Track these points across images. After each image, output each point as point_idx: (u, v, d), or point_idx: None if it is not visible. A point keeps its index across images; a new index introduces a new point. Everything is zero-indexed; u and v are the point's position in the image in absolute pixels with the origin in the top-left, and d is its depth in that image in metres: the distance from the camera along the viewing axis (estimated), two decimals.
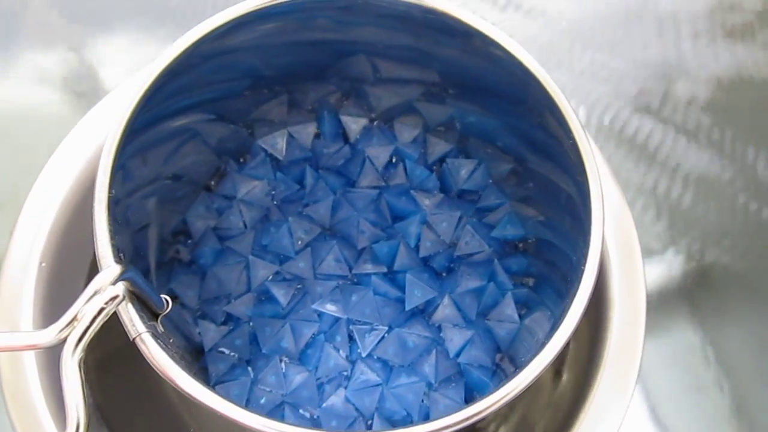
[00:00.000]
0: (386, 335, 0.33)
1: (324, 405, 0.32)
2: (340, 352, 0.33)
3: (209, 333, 0.34)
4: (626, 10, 0.49)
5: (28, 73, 0.46)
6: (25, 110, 0.45)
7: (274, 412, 0.33)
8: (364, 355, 0.33)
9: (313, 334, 0.34)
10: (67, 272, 0.31)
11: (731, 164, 0.45)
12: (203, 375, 0.33)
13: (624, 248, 0.31)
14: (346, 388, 0.33)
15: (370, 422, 0.32)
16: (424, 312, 0.34)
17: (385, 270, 0.35)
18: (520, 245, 0.35)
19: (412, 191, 0.36)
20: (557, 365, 0.33)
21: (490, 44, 0.28)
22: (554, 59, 0.47)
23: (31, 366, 0.29)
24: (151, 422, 0.35)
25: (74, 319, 0.22)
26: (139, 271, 0.25)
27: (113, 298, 0.23)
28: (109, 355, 0.30)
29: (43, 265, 0.30)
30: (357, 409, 0.32)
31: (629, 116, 0.46)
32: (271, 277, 0.35)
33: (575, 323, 0.25)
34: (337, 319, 0.34)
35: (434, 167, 0.36)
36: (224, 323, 0.34)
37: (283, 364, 0.33)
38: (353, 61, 0.33)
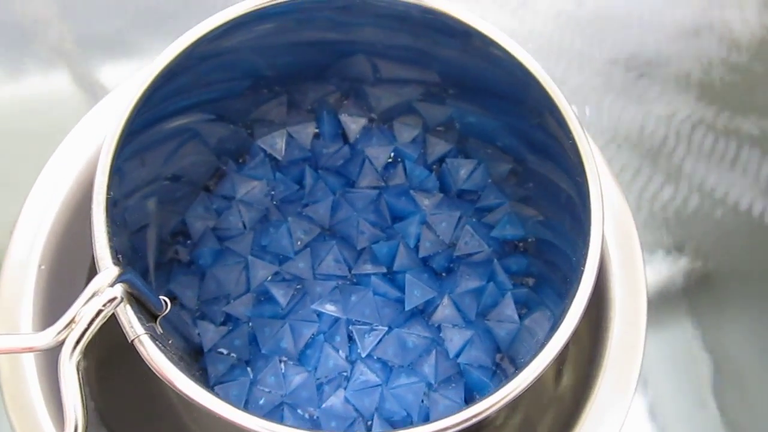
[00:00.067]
0: (386, 336, 0.33)
1: (323, 406, 0.32)
2: (340, 352, 0.33)
3: (208, 333, 0.34)
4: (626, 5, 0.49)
5: (28, 74, 0.46)
6: (25, 111, 0.45)
7: (274, 413, 0.33)
8: (363, 355, 0.33)
9: (313, 334, 0.34)
10: (66, 274, 0.31)
11: (732, 164, 0.45)
12: (203, 376, 0.33)
13: (624, 248, 0.31)
14: (345, 388, 0.33)
15: (369, 423, 0.32)
16: (423, 312, 0.34)
17: (384, 270, 0.35)
18: (520, 245, 0.35)
19: (411, 191, 0.36)
20: (558, 365, 0.33)
21: (490, 44, 0.28)
22: (554, 56, 0.47)
23: (30, 367, 0.29)
24: (152, 423, 0.35)
25: (72, 321, 0.22)
26: (137, 272, 0.25)
27: (111, 300, 0.23)
28: (109, 357, 0.30)
29: (42, 267, 0.30)
30: (356, 410, 0.32)
31: (631, 117, 0.46)
32: (270, 277, 0.35)
33: (575, 324, 0.24)
34: (336, 320, 0.34)
35: (434, 167, 0.36)
36: (223, 324, 0.34)
37: (282, 365, 0.33)
38: (353, 61, 0.33)
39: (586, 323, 0.29)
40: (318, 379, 0.33)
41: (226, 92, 0.33)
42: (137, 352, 0.24)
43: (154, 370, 0.24)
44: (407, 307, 0.34)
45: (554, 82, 0.27)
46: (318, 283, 0.34)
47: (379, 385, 0.33)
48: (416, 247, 0.35)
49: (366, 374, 0.33)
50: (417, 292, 0.34)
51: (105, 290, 0.23)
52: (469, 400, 0.33)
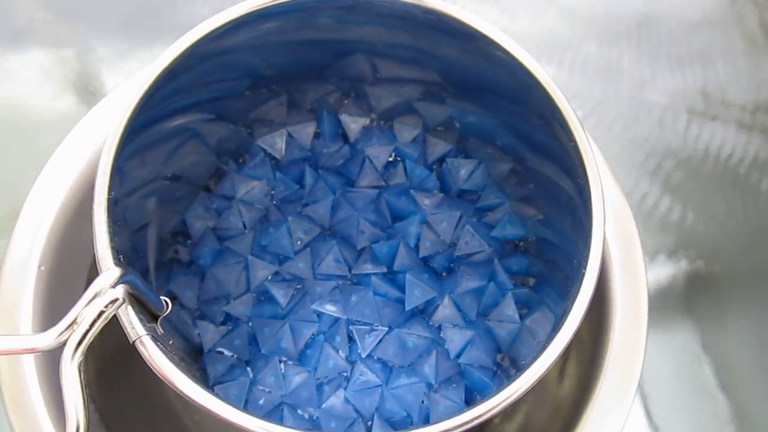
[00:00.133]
0: (386, 336, 0.33)
1: (323, 406, 0.32)
2: (340, 352, 0.33)
3: (208, 333, 0.34)
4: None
5: (28, 74, 0.46)
6: (25, 111, 0.45)
7: (273, 413, 0.33)
8: (363, 355, 0.33)
9: (313, 334, 0.34)
10: (66, 275, 0.31)
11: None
12: (202, 376, 0.33)
13: (625, 249, 0.31)
14: (345, 388, 0.33)
15: (369, 423, 0.32)
16: (424, 312, 0.34)
17: (384, 270, 0.35)
18: (521, 245, 0.35)
19: (411, 191, 0.36)
20: (560, 367, 0.33)
21: (491, 45, 0.28)
22: (556, 57, 0.47)
23: (30, 369, 0.29)
24: (152, 424, 0.35)
25: (74, 322, 0.22)
26: (138, 273, 0.25)
27: (113, 301, 0.23)
28: (110, 358, 0.30)
29: (42, 268, 0.30)
30: (356, 410, 0.32)
31: (633, 116, 0.46)
32: (270, 277, 0.35)
33: (576, 326, 0.24)
34: (336, 320, 0.34)
35: (434, 167, 0.36)
36: (223, 324, 0.34)
37: (282, 365, 0.33)
38: (353, 61, 0.33)
39: (587, 324, 0.29)
40: (318, 379, 0.33)
41: (226, 92, 0.33)
42: (138, 352, 0.24)
43: (155, 371, 0.24)
44: (407, 307, 0.34)
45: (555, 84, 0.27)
46: (318, 283, 0.34)
47: (379, 385, 0.33)
48: (416, 247, 0.35)
49: (366, 374, 0.33)
50: (417, 292, 0.34)
51: (107, 291, 0.23)
52: (469, 401, 0.33)
